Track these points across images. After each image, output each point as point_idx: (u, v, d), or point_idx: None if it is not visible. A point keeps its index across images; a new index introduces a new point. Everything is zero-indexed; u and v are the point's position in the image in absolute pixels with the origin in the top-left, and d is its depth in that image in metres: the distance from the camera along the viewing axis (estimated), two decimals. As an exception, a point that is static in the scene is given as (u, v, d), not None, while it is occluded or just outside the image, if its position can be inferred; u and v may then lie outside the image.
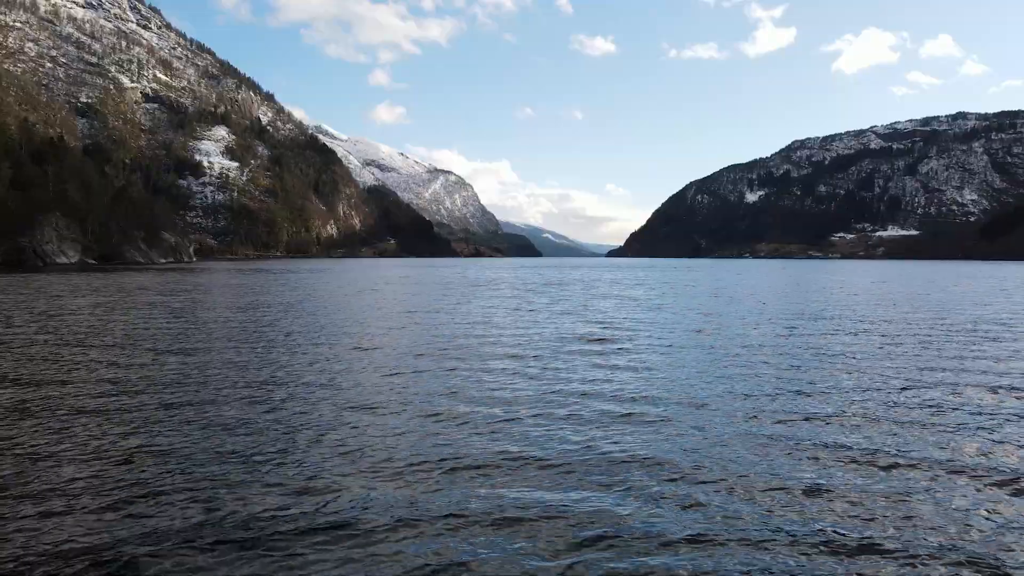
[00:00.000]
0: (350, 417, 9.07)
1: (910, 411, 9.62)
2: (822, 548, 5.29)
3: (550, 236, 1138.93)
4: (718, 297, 35.65)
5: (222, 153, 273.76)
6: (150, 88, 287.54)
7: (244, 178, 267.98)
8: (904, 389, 11.13)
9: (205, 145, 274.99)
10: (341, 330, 19.27)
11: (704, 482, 6.68)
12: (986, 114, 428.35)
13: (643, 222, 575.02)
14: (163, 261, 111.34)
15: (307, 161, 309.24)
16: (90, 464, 7.05)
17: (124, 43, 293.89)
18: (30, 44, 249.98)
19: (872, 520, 5.81)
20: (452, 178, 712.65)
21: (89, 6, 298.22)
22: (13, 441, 7.87)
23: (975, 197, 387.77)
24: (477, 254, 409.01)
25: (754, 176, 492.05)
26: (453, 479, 6.71)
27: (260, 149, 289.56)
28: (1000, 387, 11.33)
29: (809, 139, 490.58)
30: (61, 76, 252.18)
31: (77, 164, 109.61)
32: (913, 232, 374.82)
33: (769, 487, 6.56)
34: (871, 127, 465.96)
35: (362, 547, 5.23)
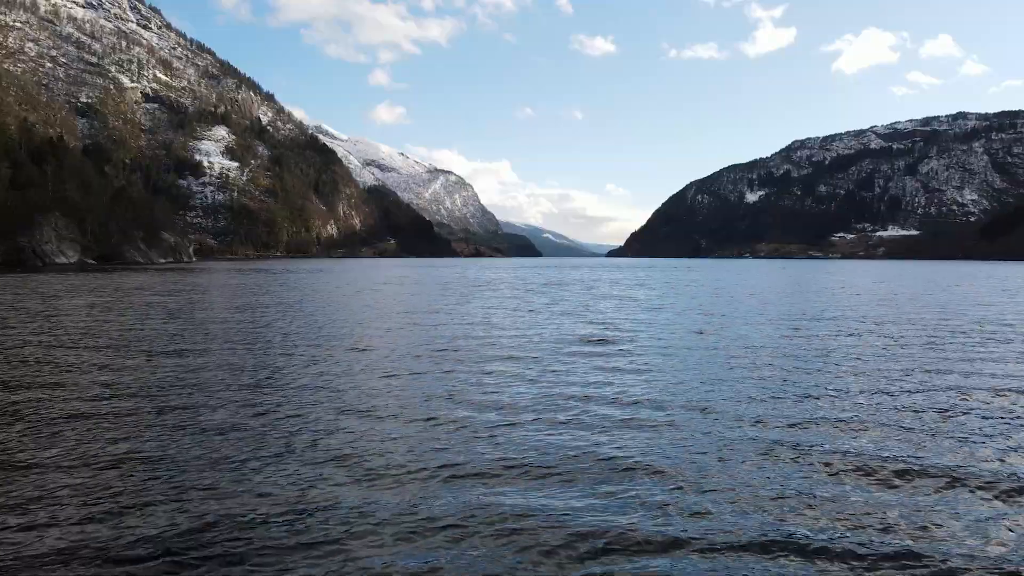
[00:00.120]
0: (346, 422, 8.86)
1: (919, 415, 9.41)
2: (835, 558, 5.10)
3: (550, 236, 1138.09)
4: (719, 297, 35.45)
5: (222, 153, 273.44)
6: (150, 88, 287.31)
7: (244, 178, 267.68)
8: (912, 392, 10.92)
9: (205, 145, 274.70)
10: (339, 331, 19.07)
11: (711, 490, 6.47)
12: (986, 114, 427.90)
13: (643, 222, 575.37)
14: (163, 261, 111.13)
15: (307, 161, 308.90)
16: (77, 471, 6.84)
17: (124, 43, 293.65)
18: (30, 44, 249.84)
19: (886, 530, 5.61)
20: (452, 178, 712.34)
21: (89, 6, 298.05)
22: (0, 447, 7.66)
23: (975, 197, 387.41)
24: (477, 254, 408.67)
25: (754, 176, 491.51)
26: (452, 487, 6.50)
27: (260, 149, 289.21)
28: (1010, 390, 11.12)
29: (809, 139, 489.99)
30: (61, 76, 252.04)
31: (77, 164, 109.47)
32: (913, 232, 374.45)
33: (778, 495, 6.35)
34: (871, 127, 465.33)
35: (357, 560, 5.02)
